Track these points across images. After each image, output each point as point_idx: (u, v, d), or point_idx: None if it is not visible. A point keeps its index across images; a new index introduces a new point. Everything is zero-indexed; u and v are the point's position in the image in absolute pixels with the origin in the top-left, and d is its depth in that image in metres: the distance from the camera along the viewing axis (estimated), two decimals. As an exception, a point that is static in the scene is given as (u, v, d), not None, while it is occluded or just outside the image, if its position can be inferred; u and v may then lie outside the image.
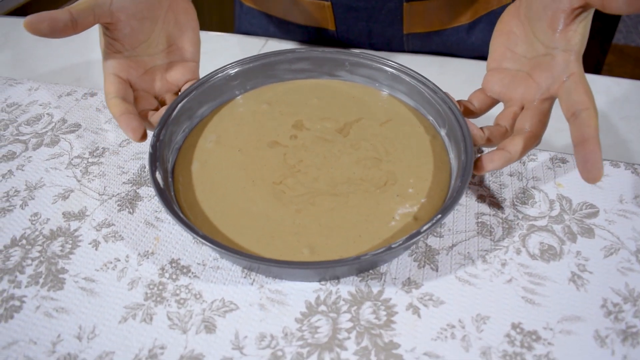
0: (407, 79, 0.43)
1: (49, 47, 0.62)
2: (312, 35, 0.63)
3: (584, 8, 0.33)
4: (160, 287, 0.35)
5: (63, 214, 0.40)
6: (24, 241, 0.38)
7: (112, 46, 0.38)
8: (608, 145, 0.45)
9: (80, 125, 0.49)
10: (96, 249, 0.37)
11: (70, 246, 0.38)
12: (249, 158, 0.41)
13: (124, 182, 0.43)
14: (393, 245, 0.31)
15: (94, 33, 0.40)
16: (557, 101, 0.35)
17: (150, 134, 0.38)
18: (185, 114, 0.41)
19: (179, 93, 0.42)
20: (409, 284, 0.35)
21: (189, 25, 0.43)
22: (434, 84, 0.41)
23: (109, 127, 0.49)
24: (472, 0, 0.56)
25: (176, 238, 0.38)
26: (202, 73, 0.44)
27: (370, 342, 0.31)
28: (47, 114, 0.51)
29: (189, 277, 0.35)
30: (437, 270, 0.35)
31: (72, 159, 0.45)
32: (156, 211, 0.40)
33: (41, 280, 0.35)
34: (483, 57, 0.43)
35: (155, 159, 0.36)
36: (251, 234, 0.35)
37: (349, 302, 0.34)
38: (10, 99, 0.53)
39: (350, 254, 0.34)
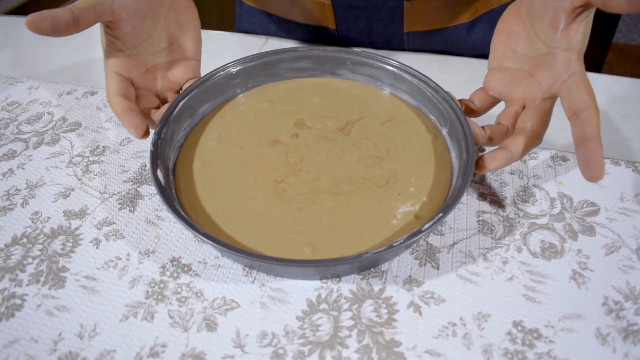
0: (409, 78, 0.43)
1: (49, 46, 0.62)
2: (312, 34, 0.63)
3: (585, 7, 0.33)
4: (162, 286, 0.35)
5: (64, 212, 0.40)
6: (24, 240, 0.38)
7: (114, 45, 0.38)
8: (609, 143, 0.45)
9: (80, 123, 0.49)
10: (97, 248, 0.37)
11: (71, 245, 0.38)
12: (250, 156, 0.41)
13: (124, 181, 0.43)
14: (394, 244, 0.31)
15: (95, 32, 0.41)
16: (558, 100, 0.36)
17: (151, 132, 0.38)
18: (187, 112, 0.41)
19: (181, 91, 0.42)
20: (410, 282, 0.35)
21: (190, 24, 0.43)
22: (435, 83, 0.41)
23: (110, 126, 0.49)
24: (472, -1, 0.56)
25: (177, 236, 0.38)
26: (203, 72, 0.44)
27: (371, 340, 0.31)
28: (48, 112, 0.51)
29: (190, 275, 0.35)
30: (438, 269, 0.35)
31: (72, 158, 0.45)
32: (157, 209, 0.40)
33: (42, 279, 0.35)
34: (483, 55, 0.43)
35: (157, 157, 0.36)
36: (252, 232, 0.35)
37: (350, 300, 0.34)
38: (11, 97, 0.53)
39: (352, 253, 0.34)
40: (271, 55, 0.45)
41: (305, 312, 0.33)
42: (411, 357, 0.31)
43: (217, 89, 0.44)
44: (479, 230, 0.38)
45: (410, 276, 0.35)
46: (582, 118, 0.31)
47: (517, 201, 0.40)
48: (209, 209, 0.37)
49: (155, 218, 0.40)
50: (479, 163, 0.35)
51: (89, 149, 0.46)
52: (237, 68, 0.44)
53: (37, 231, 0.39)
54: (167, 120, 0.39)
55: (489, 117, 0.41)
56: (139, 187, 0.42)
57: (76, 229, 0.39)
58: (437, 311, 0.33)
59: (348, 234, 0.35)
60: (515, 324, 0.32)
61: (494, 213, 0.39)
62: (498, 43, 0.39)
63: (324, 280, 0.35)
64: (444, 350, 0.31)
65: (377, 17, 0.58)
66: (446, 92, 0.40)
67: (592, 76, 0.51)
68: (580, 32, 0.34)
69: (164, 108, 0.39)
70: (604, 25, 1.24)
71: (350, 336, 0.32)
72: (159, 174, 0.35)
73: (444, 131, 0.41)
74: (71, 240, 0.38)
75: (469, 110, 0.40)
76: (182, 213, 0.33)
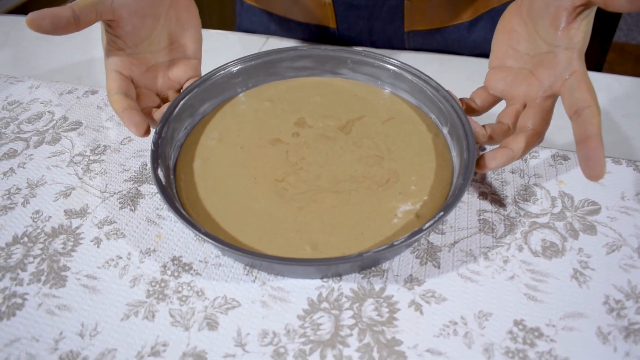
0: (410, 77, 0.43)
1: (49, 45, 0.62)
2: (312, 33, 0.63)
3: (586, 6, 0.33)
4: (162, 285, 0.35)
5: (65, 211, 0.40)
6: (25, 239, 0.38)
7: (114, 43, 0.38)
8: (610, 142, 0.45)
9: (81, 123, 0.49)
10: (98, 247, 0.37)
11: (72, 244, 0.38)
12: (251, 155, 0.40)
13: (125, 180, 0.43)
14: (395, 243, 0.31)
15: (95, 31, 0.40)
16: (559, 99, 0.35)
17: (152, 131, 0.38)
18: (187, 111, 0.41)
19: (181, 90, 0.42)
20: (411, 281, 0.35)
21: (191, 23, 0.43)
22: (436, 82, 0.41)
23: (110, 125, 0.49)
24: (473, -2, 0.56)
25: (178, 235, 0.38)
26: (203, 71, 0.44)
27: (372, 339, 0.31)
28: (48, 111, 0.51)
29: (191, 274, 0.35)
30: (439, 267, 0.35)
31: (73, 157, 0.45)
32: (158, 208, 0.40)
33: (43, 278, 0.35)
34: (484, 54, 0.43)
35: (157, 156, 0.36)
36: (253, 231, 0.35)
37: (351, 299, 0.34)
38: (11, 97, 0.53)
39: (353, 252, 0.34)
40: (272, 54, 0.45)
41: (306, 311, 0.33)
42: (412, 356, 0.31)
43: (217, 88, 0.44)
44: (479, 229, 0.38)
45: (411, 275, 0.35)
46: (583, 117, 0.31)
47: (518, 200, 0.40)
48: (209, 208, 0.37)
49: (156, 217, 0.40)
50: (479, 162, 0.35)
51: (89, 148, 0.46)
52: (238, 67, 0.44)
53: (38, 230, 0.39)
54: (167, 119, 0.39)
55: (490, 116, 0.40)
56: (139, 186, 0.42)
57: (77, 228, 0.39)
58: (438, 310, 0.33)
59: (349, 232, 0.35)
60: (517, 323, 0.32)
61: (495, 212, 0.39)
62: (499, 42, 0.39)
63: (324, 279, 0.35)
64: (445, 349, 0.31)
65: (377, 16, 0.58)
66: (447, 91, 0.40)
67: (593, 75, 0.51)
68: (582, 30, 0.34)
69: (165, 107, 0.39)
70: (605, 24, 1.24)
71: (351, 335, 0.32)
72: (160, 173, 0.35)
73: (445, 130, 0.41)
74: (72, 239, 0.38)
75: (470, 109, 0.40)
76: (183, 212, 0.33)
